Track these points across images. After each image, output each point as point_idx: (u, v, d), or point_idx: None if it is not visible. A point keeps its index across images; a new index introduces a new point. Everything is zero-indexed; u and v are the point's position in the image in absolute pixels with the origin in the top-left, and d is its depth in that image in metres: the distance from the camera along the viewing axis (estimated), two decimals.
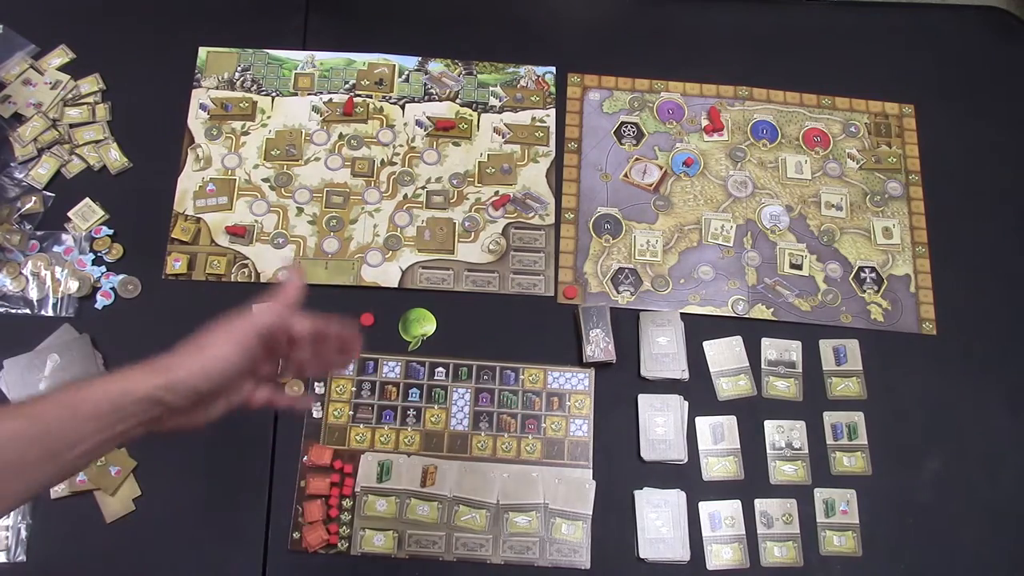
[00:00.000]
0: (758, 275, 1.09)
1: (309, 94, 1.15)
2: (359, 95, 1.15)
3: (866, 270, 1.10)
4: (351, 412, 1.01)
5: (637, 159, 1.15)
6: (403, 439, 1.00)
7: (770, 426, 1.03)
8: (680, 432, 1.01)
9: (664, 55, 1.20)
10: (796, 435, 1.02)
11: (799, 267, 1.10)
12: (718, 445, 1.01)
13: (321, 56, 1.17)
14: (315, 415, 1.00)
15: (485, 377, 1.03)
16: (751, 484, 1.00)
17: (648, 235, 1.11)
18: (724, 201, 1.13)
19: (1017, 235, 1.14)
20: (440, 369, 1.03)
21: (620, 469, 1.00)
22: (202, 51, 1.16)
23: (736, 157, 1.15)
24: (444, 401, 1.02)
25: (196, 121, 1.13)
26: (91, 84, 1.13)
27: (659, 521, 0.97)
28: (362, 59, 1.17)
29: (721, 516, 0.99)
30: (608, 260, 1.09)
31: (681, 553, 0.96)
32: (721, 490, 1.00)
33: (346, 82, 1.16)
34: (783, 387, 1.05)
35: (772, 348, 1.06)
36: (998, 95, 1.21)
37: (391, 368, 1.03)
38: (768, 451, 1.02)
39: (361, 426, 1.00)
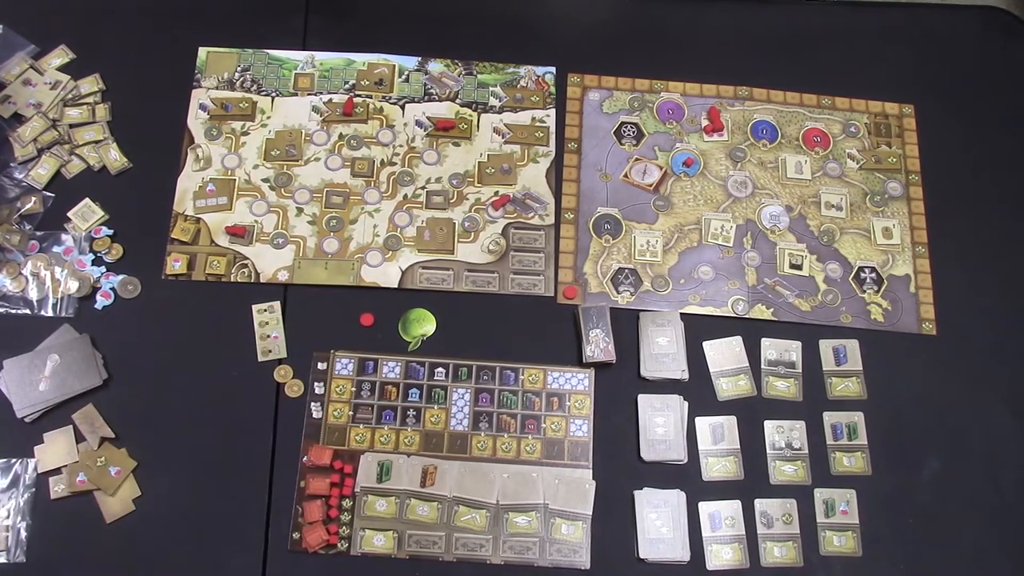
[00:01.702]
0: (758, 275, 1.09)
1: (309, 94, 1.15)
2: (359, 95, 1.15)
3: (866, 270, 1.10)
4: (351, 412, 1.01)
5: (637, 159, 1.15)
6: (403, 439, 1.00)
7: (770, 426, 1.03)
8: (680, 432, 1.01)
9: (664, 55, 1.20)
10: (796, 435, 1.02)
11: (799, 267, 1.10)
12: (718, 445, 1.01)
13: (321, 56, 1.17)
14: (315, 415, 1.00)
15: (485, 377, 1.03)
16: (751, 484, 1.00)
17: (648, 235, 1.11)
18: (724, 201, 1.13)
19: (1017, 235, 1.14)
20: (440, 369, 1.03)
21: (620, 469, 1.00)
22: (202, 51, 1.16)
23: (736, 157, 1.15)
24: (444, 401, 1.02)
25: (196, 121, 1.13)
26: (91, 84, 1.13)
27: (659, 521, 0.97)
28: (362, 59, 1.17)
29: (721, 516, 0.99)
30: (608, 260, 1.09)
31: (681, 553, 0.96)
32: (721, 490, 1.00)
33: (346, 82, 1.16)
34: (783, 387, 1.05)
35: (772, 348, 1.06)
36: (998, 95, 1.21)
37: (391, 368, 1.03)
38: (768, 451, 1.02)
39: (361, 426, 1.00)
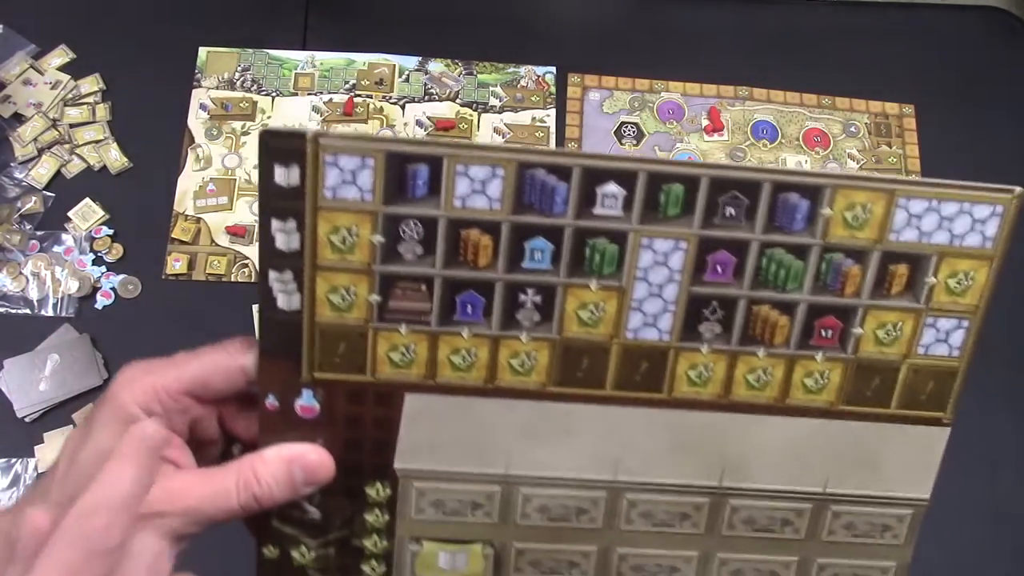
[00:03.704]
0: None
1: (309, 94, 1.15)
2: (359, 95, 1.15)
3: None
4: (372, 298, 0.48)
5: None
6: (509, 361, 0.49)
7: None
8: None
9: (664, 55, 1.20)
10: None
11: None
12: None
13: (321, 56, 1.17)
14: (281, 305, 0.48)
15: (729, 210, 0.47)
16: None
17: None
18: None
19: (1017, 235, 1.13)
20: (611, 189, 0.46)
21: None
22: (202, 51, 1.16)
23: (736, 157, 1.15)
24: (615, 270, 0.47)
25: (196, 121, 1.13)
26: (91, 84, 1.13)
27: None
28: (362, 59, 1.17)
29: None
30: None
31: None
32: None
33: (346, 82, 1.16)
34: None
35: None
36: (998, 95, 1.21)
37: (478, 181, 0.45)
38: None
39: (402, 330, 0.48)
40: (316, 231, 0.46)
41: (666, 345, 0.49)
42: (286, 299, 0.47)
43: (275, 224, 0.46)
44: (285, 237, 0.46)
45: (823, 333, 0.49)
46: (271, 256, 0.47)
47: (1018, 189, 0.47)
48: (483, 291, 0.47)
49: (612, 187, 0.45)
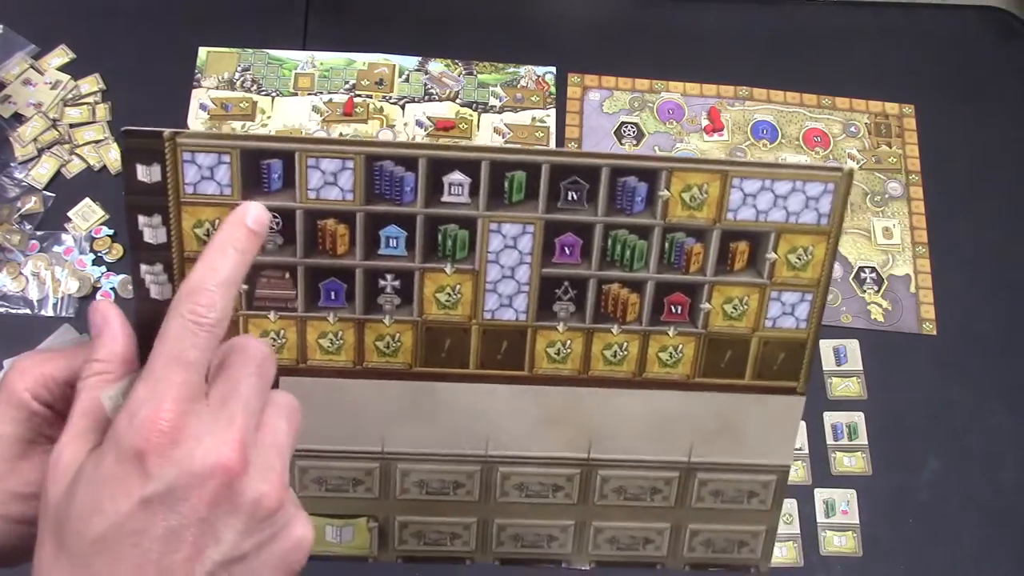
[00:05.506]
0: None
1: (309, 94, 1.15)
2: (359, 95, 1.15)
3: (866, 270, 1.10)
4: (241, 287, 0.51)
5: None
6: (374, 344, 0.51)
7: None
8: None
9: (664, 55, 1.20)
10: (797, 435, 1.02)
11: None
12: None
13: (321, 56, 1.17)
14: (153, 294, 0.54)
15: (572, 194, 0.49)
16: None
17: None
18: None
19: (1017, 235, 1.14)
20: (456, 177, 0.49)
21: None
22: (202, 51, 1.16)
23: (737, 157, 1.15)
24: (467, 253, 0.50)
25: (196, 121, 1.13)
26: (91, 84, 1.13)
27: None
28: (362, 59, 1.17)
29: None
30: None
31: None
32: None
33: (346, 82, 1.16)
34: None
35: None
36: (998, 95, 1.21)
37: (328, 173, 0.48)
38: None
39: (271, 317, 0.51)
40: (181, 224, 0.49)
41: (524, 325, 0.52)
42: (159, 289, 0.51)
43: (142, 220, 0.50)
44: (152, 232, 0.50)
45: (673, 309, 0.52)
46: (141, 250, 0.50)
47: (847, 166, 0.50)
48: (344, 278, 0.50)
49: (457, 175, 0.48)
